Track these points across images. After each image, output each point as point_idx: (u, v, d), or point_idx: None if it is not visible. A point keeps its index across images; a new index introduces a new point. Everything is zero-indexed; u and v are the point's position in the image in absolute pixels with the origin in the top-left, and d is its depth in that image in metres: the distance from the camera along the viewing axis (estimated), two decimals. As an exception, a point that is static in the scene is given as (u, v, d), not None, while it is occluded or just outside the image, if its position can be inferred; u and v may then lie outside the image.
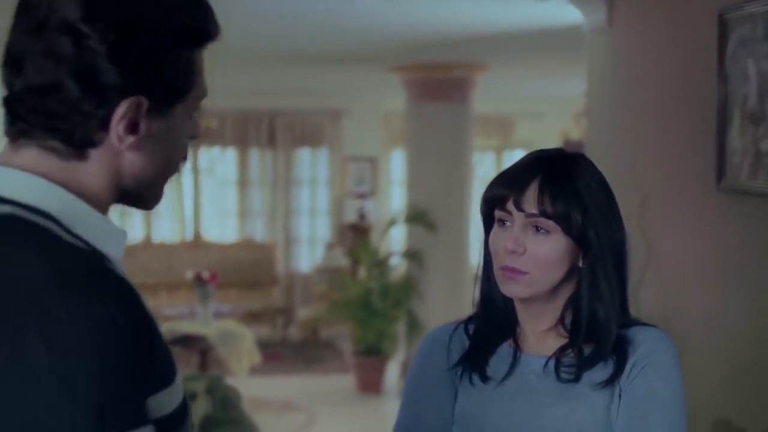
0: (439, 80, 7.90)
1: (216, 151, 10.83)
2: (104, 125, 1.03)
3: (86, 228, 1.03)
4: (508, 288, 1.55)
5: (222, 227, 10.89)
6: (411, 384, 1.67)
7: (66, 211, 1.02)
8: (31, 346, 0.90)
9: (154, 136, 1.06)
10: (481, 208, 1.61)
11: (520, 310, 1.61)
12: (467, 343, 1.64)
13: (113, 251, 1.05)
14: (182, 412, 1.05)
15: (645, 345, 1.53)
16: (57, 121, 1.02)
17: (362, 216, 10.67)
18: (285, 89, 9.66)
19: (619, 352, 1.53)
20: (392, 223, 8.39)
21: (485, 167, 11.38)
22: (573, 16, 4.66)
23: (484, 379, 1.59)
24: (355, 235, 10.33)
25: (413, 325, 7.74)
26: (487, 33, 6.08)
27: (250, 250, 10.52)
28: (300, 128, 10.83)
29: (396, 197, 10.97)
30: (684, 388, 1.53)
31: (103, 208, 1.07)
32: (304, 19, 5.61)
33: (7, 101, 1.05)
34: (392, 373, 8.12)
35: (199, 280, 7.32)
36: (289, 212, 10.97)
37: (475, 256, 1.67)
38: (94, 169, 1.04)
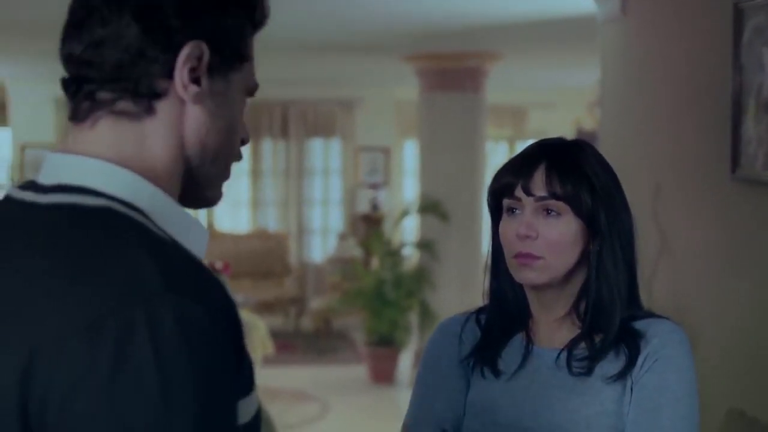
0: (452, 70, 7.88)
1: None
2: (168, 72, 1.03)
3: (173, 224, 1.03)
4: (523, 275, 1.55)
5: (235, 217, 10.91)
6: (423, 374, 1.67)
7: (156, 206, 1.02)
8: (138, 345, 0.89)
9: (215, 95, 1.06)
10: (488, 200, 1.61)
11: (532, 299, 1.61)
12: (479, 333, 1.64)
13: (198, 249, 1.05)
14: (258, 417, 1.05)
15: (658, 338, 1.52)
16: (122, 71, 1.02)
17: (375, 206, 10.67)
18: (298, 79, 9.66)
19: (631, 345, 1.53)
20: (405, 213, 8.39)
21: (498, 157, 11.37)
22: (587, 5, 4.64)
23: (496, 372, 1.59)
24: (368, 225, 10.34)
25: (426, 315, 7.75)
26: (500, 22, 6.06)
27: (263, 240, 10.53)
28: (313, 118, 10.83)
29: (409, 187, 10.97)
30: (696, 380, 1.53)
31: (173, 188, 1.06)
32: (316, 8, 5.60)
33: (71, 76, 1.06)
34: (405, 363, 8.13)
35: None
36: (301, 202, 10.98)
37: (487, 246, 1.67)
38: (162, 127, 1.04)
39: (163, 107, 1.04)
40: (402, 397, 7.28)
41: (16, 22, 6.22)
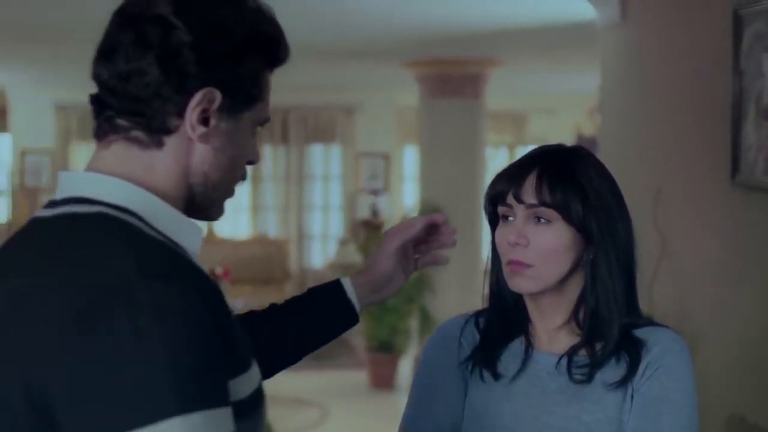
0: (453, 75, 7.89)
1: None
2: (180, 113, 1.13)
3: (166, 223, 1.12)
4: (515, 282, 1.55)
5: (235, 223, 10.91)
6: (421, 376, 1.67)
7: (147, 208, 1.12)
8: (120, 329, 0.98)
9: (221, 134, 1.16)
10: (485, 207, 1.62)
11: (530, 306, 1.61)
12: (478, 336, 1.64)
13: (191, 245, 1.14)
14: (257, 397, 1.12)
15: (659, 346, 1.52)
16: (139, 105, 1.12)
17: (375, 212, 10.67)
18: (298, 84, 9.67)
19: (632, 353, 1.53)
20: (404, 218, 8.39)
21: (498, 163, 11.37)
22: (586, 11, 4.65)
23: (496, 376, 1.59)
24: (368, 231, 10.33)
25: (426, 320, 7.74)
26: (500, 28, 6.07)
27: (263, 246, 10.53)
28: (313, 124, 10.84)
29: (409, 193, 10.97)
30: (696, 389, 1.53)
31: (176, 206, 1.16)
32: (317, 13, 5.61)
33: (97, 95, 1.16)
34: (405, 368, 8.12)
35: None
36: (301, 208, 10.98)
37: (486, 251, 1.67)
38: (169, 159, 1.14)
39: (172, 142, 1.14)
40: (402, 403, 7.23)
41: (16, 28, 6.22)
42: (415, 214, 8.23)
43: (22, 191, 10.53)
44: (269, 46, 1.19)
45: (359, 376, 8.22)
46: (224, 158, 1.18)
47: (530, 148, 1.65)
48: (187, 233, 1.14)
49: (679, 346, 1.53)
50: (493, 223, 1.61)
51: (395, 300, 7.93)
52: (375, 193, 10.81)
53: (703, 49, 3.35)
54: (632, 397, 1.51)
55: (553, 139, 1.81)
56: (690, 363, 1.53)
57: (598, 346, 1.55)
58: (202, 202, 1.19)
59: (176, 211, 1.14)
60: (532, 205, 1.52)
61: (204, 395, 1.00)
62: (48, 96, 10.20)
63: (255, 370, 1.13)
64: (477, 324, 1.66)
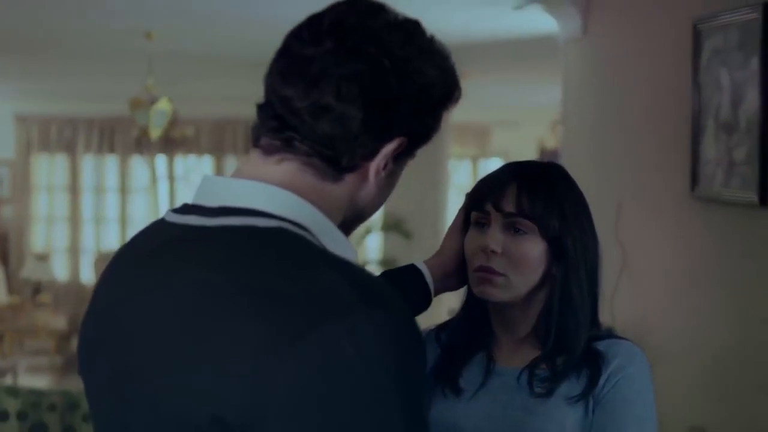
0: (416, 88, 7.90)
1: (192, 159, 10.79)
2: (369, 156, 1.10)
3: (333, 244, 1.09)
4: (483, 290, 1.55)
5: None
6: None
7: (319, 227, 1.08)
8: (346, 356, 0.94)
9: (388, 177, 1.16)
10: (464, 210, 1.62)
11: (494, 317, 1.61)
12: (439, 351, 1.64)
13: None
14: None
15: (618, 359, 1.54)
16: (331, 143, 1.08)
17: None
18: (261, 97, 9.64)
19: (592, 366, 1.54)
20: (368, 231, 8.39)
21: (461, 175, 11.40)
22: (549, 25, 4.68)
23: (457, 391, 1.59)
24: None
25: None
26: (463, 42, 6.10)
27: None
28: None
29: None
30: (656, 402, 1.55)
31: None
32: (279, 25, 5.60)
33: (273, 109, 1.10)
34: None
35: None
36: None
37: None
38: (341, 191, 1.12)
39: (349, 178, 1.11)
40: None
41: (-24, 39, 6.16)
42: (378, 227, 8.23)
43: (-19, 203, 10.42)
44: (453, 97, 1.19)
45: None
46: (382, 195, 1.18)
47: (493, 160, 1.66)
48: (349, 254, 1.11)
49: (639, 359, 1.55)
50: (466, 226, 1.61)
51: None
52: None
53: (663, 63, 3.39)
54: (593, 410, 1.52)
55: (516, 152, 1.83)
56: (650, 376, 1.55)
57: (559, 359, 1.55)
58: (345, 227, 1.16)
59: (340, 232, 1.12)
60: (510, 215, 1.53)
61: (421, 420, 1.00)
62: (8, 107, 10.10)
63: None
64: (438, 339, 1.66)
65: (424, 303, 1.61)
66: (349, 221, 1.16)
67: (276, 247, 1.03)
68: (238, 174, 1.12)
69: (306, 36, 1.10)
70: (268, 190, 1.08)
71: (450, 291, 1.65)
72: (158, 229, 1.13)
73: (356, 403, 0.94)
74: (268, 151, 1.10)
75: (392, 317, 0.99)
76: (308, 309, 0.96)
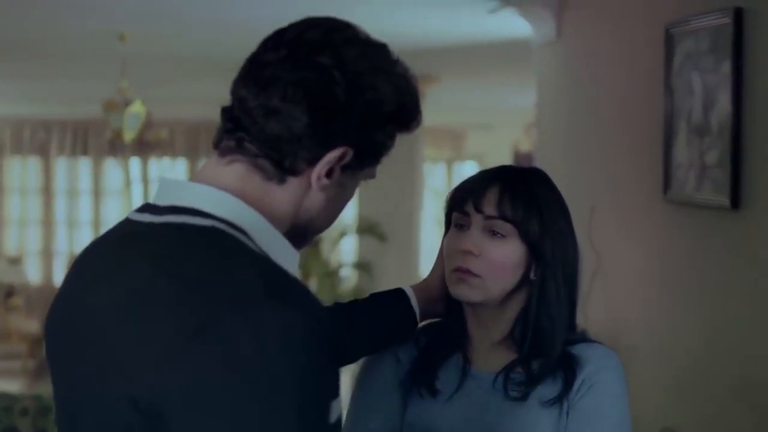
0: (390, 92, 7.90)
1: (166, 161, 10.75)
2: (312, 161, 1.15)
3: (269, 245, 1.13)
4: (459, 290, 1.55)
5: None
6: (358, 393, 1.66)
7: (255, 227, 1.13)
8: (244, 350, 0.98)
9: (337, 186, 1.19)
10: (445, 212, 1.63)
11: (470, 319, 1.61)
12: (416, 352, 1.64)
13: (290, 268, 1.15)
14: (340, 422, 1.12)
15: (592, 363, 1.54)
16: (278, 142, 1.14)
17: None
18: (196, 98, 9.62)
19: (567, 370, 1.54)
20: (343, 234, 8.38)
21: (436, 179, 11.42)
22: (522, 28, 4.70)
23: (433, 392, 1.59)
24: (307, 248, 10.30)
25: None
26: (437, 46, 6.11)
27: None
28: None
29: (347, 208, 10.95)
30: (629, 404, 1.56)
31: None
32: (253, 28, 5.59)
33: (234, 114, 1.16)
34: (342, 386, 8.08)
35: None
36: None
37: (425, 267, 1.68)
38: (285, 195, 1.16)
39: (293, 182, 1.16)
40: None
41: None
42: (353, 229, 8.23)
43: (-48, 206, 10.33)
44: (408, 118, 1.22)
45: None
46: (332, 207, 1.22)
47: (468, 163, 1.67)
48: (288, 258, 1.16)
49: (613, 363, 1.56)
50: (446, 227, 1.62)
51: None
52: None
53: (636, 67, 3.41)
54: (567, 413, 1.53)
55: (490, 155, 1.84)
56: (623, 379, 1.56)
57: (535, 363, 1.56)
58: (297, 238, 1.21)
59: (281, 235, 1.16)
60: (491, 217, 1.53)
61: (320, 416, 1.02)
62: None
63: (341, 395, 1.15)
64: (416, 341, 1.66)
65: (411, 326, 1.63)
66: (301, 230, 1.20)
67: (203, 242, 1.09)
68: (196, 175, 1.18)
69: (270, 44, 1.18)
70: (212, 193, 1.13)
71: (436, 317, 1.67)
72: (121, 226, 1.19)
73: (252, 398, 0.98)
74: (223, 153, 1.17)
75: (299, 317, 1.02)
76: (217, 300, 1.01)
